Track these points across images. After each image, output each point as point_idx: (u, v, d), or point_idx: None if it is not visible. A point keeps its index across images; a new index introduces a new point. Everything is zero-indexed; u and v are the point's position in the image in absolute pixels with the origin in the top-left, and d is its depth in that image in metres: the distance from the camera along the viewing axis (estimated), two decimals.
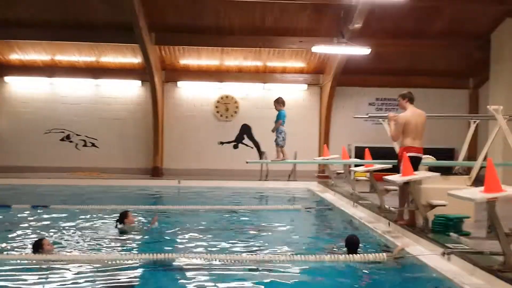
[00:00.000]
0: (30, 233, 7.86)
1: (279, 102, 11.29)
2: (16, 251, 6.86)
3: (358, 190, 11.56)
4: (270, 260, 6.32)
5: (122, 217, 8.26)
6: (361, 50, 14.05)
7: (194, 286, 5.41)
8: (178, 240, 7.71)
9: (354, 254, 6.27)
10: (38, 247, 6.45)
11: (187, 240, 7.65)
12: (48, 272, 5.83)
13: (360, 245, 6.65)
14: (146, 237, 7.95)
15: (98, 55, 17.08)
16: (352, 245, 6.56)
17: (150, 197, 13.98)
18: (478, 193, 5.38)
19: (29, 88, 17.84)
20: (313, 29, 15.56)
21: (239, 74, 17.98)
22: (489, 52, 15.74)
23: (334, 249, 6.85)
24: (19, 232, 7.92)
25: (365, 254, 6.24)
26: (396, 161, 8.45)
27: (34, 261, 6.17)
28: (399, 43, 15.91)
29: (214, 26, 15.58)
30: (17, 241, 7.44)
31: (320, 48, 14.40)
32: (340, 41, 14.21)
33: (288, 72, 18.02)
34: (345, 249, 6.58)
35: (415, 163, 7.72)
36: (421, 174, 7.75)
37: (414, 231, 7.37)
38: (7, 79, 17.68)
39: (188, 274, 5.81)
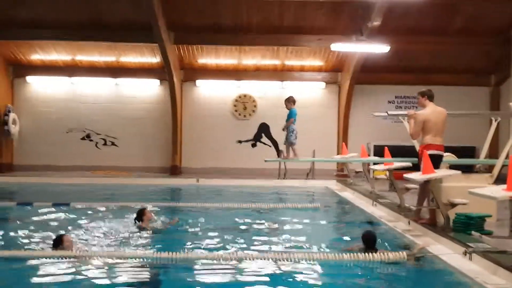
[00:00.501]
0: (50, 231, 7.94)
1: (290, 101, 11.28)
2: (37, 247, 6.94)
3: (377, 188, 11.50)
4: (289, 258, 6.31)
5: (140, 214, 8.33)
6: (380, 48, 13.96)
7: (212, 283, 5.42)
8: (196, 238, 7.72)
9: (374, 253, 6.22)
10: (58, 243, 6.53)
11: (205, 238, 7.66)
12: (68, 268, 5.89)
13: (381, 243, 6.59)
14: (164, 235, 7.99)
15: (118, 54, 17.24)
16: (369, 241, 6.52)
17: (169, 195, 14.07)
18: (500, 191, 5.32)
19: (50, 88, 18.09)
20: (331, 27, 15.50)
21: (257, 73, 17.99)
22: (510, 49, 15.49)
23: (353, 248, 6.80)
24: (40, 230, 8.01)
25: (385, 253, 6.19)
26: (416, 159, 8.37)
27: (54, 258, 6.23)
28: (419, 40, 15.75)
29: (232, 25, 15.62)
30: (38, 238, 7.52)
31: (339, 46, 14.34)
32: (359, 39, 14.13)
33: (306, 70, 17.97)
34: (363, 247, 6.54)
35: (436, 161, 7.63)
36: (442, 172, 7.66)
37: (435, 230, 7.30)
38: (29, 79, 17.94)
39: (206, 271, 5.83)
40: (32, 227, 8.27)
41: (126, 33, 15.60)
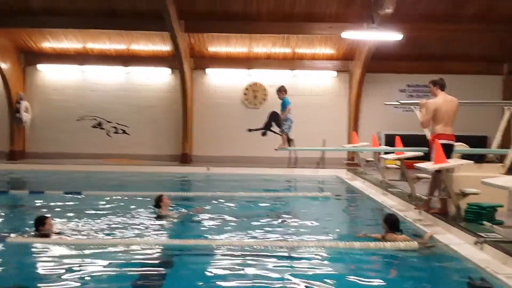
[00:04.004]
0: (62, 219, 8.02)
1: (281, 91, 11.00)
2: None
3: (388, 178, 11.46)
4: (300, 246, 6.34)
5: (158, 201, 8.40)
6: (392, 36, 13.81)
7: (224, 271, 5.45)
8: (208, 227, 7.78)
9: (386, 242, 6.23)
10: (40, 223, 6.62)
11: (217, 227, 7.71)
12: (79, 255, 5.94)
13: None
14: (178, 223, 8.04)
15: (129, 43, 17.25)
16: (394, 223, 6.54)
17: (180, 183, 14.13)
18: None
19: (61, 76, 18.17)
20: (342, 14, 15.38)
21: (268, 61, 17.93)
22: None
23: (364, 236, 6.81)
24: (52, 218, 8.07)
25: (397, 242, 6.19)
26: (427, 148, 8.33)
27: (65, 245, 6.29)
28: (431, 28, 15.57)
29: (243, 13, 15.54)
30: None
31: (350, 34, 14.20)
32: (371, 27, 13.98)
33: (317, 58, 17.87)
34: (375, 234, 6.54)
35: (448, 150, 7.58)
36: (453, 161, 7.62)
37: (446, 219, 7.27)
38: (39, 67, 18.02)
39: (218, 260, 5.87)
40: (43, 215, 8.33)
41: (137, 21, 15.59)
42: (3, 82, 17.09)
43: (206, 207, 8.98)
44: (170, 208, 8.62)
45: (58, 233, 6.90)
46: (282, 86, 11.17)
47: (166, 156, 17.64)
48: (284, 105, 10.91)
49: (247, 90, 18.08)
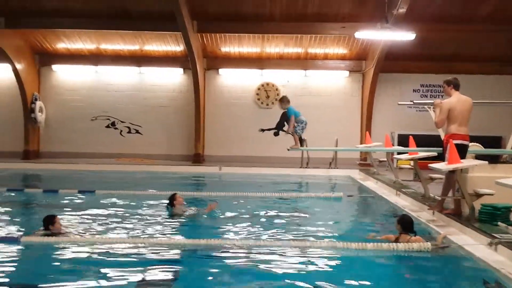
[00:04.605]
0: (76, 217, 8.09)
1: (284, 101, 10.83)
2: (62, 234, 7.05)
3: (401, 178, 11.39)
4: (311, 246, 6.32)
5: (171, 199, 8.44)
6: (406, 36, 13.72)
7: (236, 271, 5.46)
8: (220, 226, 7.78)
9: (399, 243, 6.19)
10: (49, 222, 6.65)
11: (228, 227, 7.71)
12: (91, 254, 5.98)
13: None
14: (191, 223, 8.06)
15: (142, 43, 17.35)
16: (408, 224, 6.50)
17: (192, 183, 14.18)
18: None
19: (75, 76, 18.34)
20: (355, 14, 15.34)
21: (280, 61, 17.93)
22: None
23: (376, 237, 6.78)
24: (66, 216, 8.14)
25: (409, 243, 6.15)
26: (441, 148, 8.27)
27: (78, 244, 6.34)
28: (445, 28, 15.48)
29: (255, 13, 15.56)
30: (64, 224, 7.63)
31: (363, 34, 14.15)
32: (384, 26, 13.90)
33: (329, 58, 17.84)
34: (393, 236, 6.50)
35: (462, 150, 7.52)
36: (467, 162, 7.56)
37: (460, 220, 7.22)
38: (54, 67, 18.20)
39: (231, 260, 5.87)
40: (58, 214, 8.40)
41: (150, 22, 15.68)
42: (18, 82, 17.27)
43: (217, 210, 8.98)
44: (183, 206, 8.66)
45: (65, 232, 6.93)
46: (285, 96, 10.99)
47: (178, 156, 17.72)
48: (288, 116, 10.75)
49: (259, 90, 18.10)
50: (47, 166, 15.82)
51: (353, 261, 5.98)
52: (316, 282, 5.03)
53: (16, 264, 5.79)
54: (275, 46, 17.34)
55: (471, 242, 6.30)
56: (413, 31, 13.59)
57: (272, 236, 7.11)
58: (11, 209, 9.04)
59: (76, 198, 10.12)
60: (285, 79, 18.03)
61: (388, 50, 15.86)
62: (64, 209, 8.77)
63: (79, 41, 17.39)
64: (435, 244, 6.27)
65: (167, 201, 8.50)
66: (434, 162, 7.86)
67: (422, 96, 17.65)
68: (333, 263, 5.87)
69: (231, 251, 6.17)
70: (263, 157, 17.49)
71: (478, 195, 7.26)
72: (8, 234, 6.96)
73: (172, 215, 8.28)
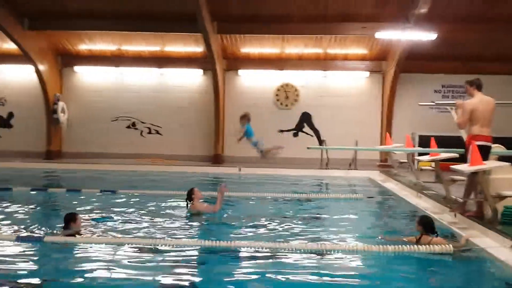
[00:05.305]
0: (98, 217, 8.18)
1: (243, 118, 10.40)
2: (84, 233, 7.15)
3: (422, 180, 11.28)
4: (332, 249, 6.30)
5: (190, 194, 8.51)
6: (427, 36, 13.62)
7: (254, 273, 5.46)
8: (239, 228, 7.78)
9: (420, 245, 6.14)
10: (71, 220, 6.71)
11: (247, 228, 7.71)
12: (111, 254, 6.04)
13: None
14: (209, 223, 8.09)
15: (163, 44, 17.49)
16: (429, 224, 6.45)
17: (212, 183, 14.22)
18: None
19: (97, 77, 18.57)
20: (376, 14, 15.23)
21: (300, 62, 17.91)
22: None
23: (389, 239, 6.72)
24: (88, 216, 8.24)
25: (431, 245, 6.10)
26: (463, 150, 8.17)
27: (98, 244, 6.41)
28: (467, 27, 15.26)
29: (275, 14, 15.56)
30: (86, 224, 7.74)
31: (384, 34, 14.09)
32: (405, 26, 13.81)
33: (349, 59, 17.76)
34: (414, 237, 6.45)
35: (485, 152, 7.43)
36: (490, 163, 7.46)
37: (482, 222, 7.13)
38: (76, 68, 18.46)
39: (249, 261, 5.87)
40: (81, 213, 8.52)
41: (171, 23, 15.79)
42: (41, 83, 17.55)
43: (235, 207, 8.96)
44: (201, 201, 8.72)
45: (87, 231, 7.01)
46: (246, 115, 10.45)
47: (198, 156, 17.82)
48: (246, 135, 10.41)
49: (279, 91, 18.11)
50: (69, 166, 16.07)
51: (374, 263, 5.94)
52: (336, 285, 5.02)
53: (39, 263, 5.87)
54: (295, 47, 17.32)
55: (493, 245, 6.23)
56: (435, 31, 13.49)
57: (291, 238, 7.08)
58: (35, 209, 9.19)
59: (98, 197, 10.24)
60: (304, 80, 17.96)
61: (409, 50, 15.72)
62: (86, 208, 8.88)
63: (101, 43, 17.60)
64: (457, 246, 6.20)
65: (186, 196, 8.57)
66: (456, 164, 7.77)
67: (443, 96, 17.47)
68: (353, 265, 5.84)
69: (248, 252, 6.17)
70: (282, 158, 17.42)
71: (501, 197, 7.18)
72: (32, 233, 7.06)
73: (191, 213, 8.33)
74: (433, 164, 10.04)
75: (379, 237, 6.97)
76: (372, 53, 17.50)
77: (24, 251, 6.11)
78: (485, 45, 16.46)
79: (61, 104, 17.77)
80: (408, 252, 6.06)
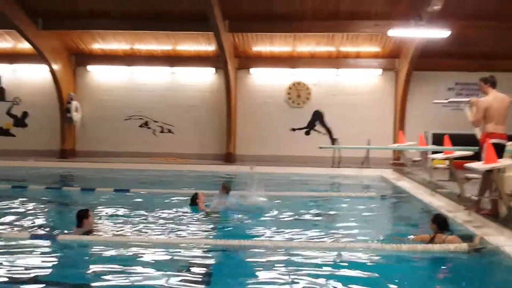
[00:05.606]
0: (111, 216, 8.23)
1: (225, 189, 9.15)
2: (98, 232, 7.20)
3: (436, 178, 11.21)
4: (345, 247, 6.28)
5: (194, 199, 8.54)
6: (440, 33, 13.51)
7: (269, 272, 5.46)
8: (251, 226, 7.80)
9: (434, 244, 6.10)
10: (83, 217, 6.74)
11: (259, 227, 7.71)
12: (125, 253, 6.08)
13: None
14: (222, 222, 8.10)
15: (175, 43, 17.54)
16: (443, 223, 6.41)
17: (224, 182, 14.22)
18: None
19: (110, 76, 18.67)
20: (389, 12, 15.14)
21: (312, 60, 17.86)
22: None
23: (422, 238, 6.68)
24: (102, 215, 8.30)
25: (445, 244, 6.06)
26: (477, 147, 8.11)
27: (112, 243, 6.44)
28: (481, 24, 15.07)
29: (287, 12, 15.53)
30: (99, 223, 7.79)
31: (397, 32, 13.98)
32: (418, 24, 13.70)
33: (362, 57, 17.67)
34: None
35: (499, 150, 7.37)
36: (505, 161, 7.39)
37: (497, 221, 7.07)
38: (89, 67, 18.57)
39: (260, 261, 5.86)
40: (95, 212, 8.58)
41: (182, 22, 15.81)
42: (55, 83, 17.69)
43: (247, 206, 8.95)
44: (207, 204, 8.75)
45: (100, 230, 7.05)
46: (228, 186, 9.34)
47: (210, 155, 17.86)
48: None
49: (291, 89, 18.07)
50: (83, 165, 16.19)
51: (387, 262, 5.92)
52: (350, 284, 5.00)
53: (52, 262, 5.92)
54: (307, 45, 17.27)
55: (508, 243, 6.18)
56: (448, 28, 13.37)
57: (303, 237, 7.08)
58: (49, 207, 9.28)
59: (112, 196, 10.30)
60: (316, 79, 17.90)
61: (422, 48, 15.61)
62: (100, 207, 8.94)
63: (114, 42, 17.69)
64: (472, 245, 6.15)
65: (190, 201, 8.60)
66: (470, 162, 7.71)
67: (457, 94, 17.32)
68: (366, 263, 5.82)
69: (261, 251, 6.16)
70: (294, 156, 17.49)
71: None
72: (46, 232, 7.13)
73: (206, 214, 8.36)
74: (447, 162, 9.97)
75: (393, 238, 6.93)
76: (385, 51, 17.40)
77: (38, 249, 6.16)
78: (499, 42, 16.27)
79: (74, 103, 17.90)
80: (422, 251, 6.03)
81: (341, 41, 16.89)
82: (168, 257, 5.95)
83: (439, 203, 9.38)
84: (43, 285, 4.98)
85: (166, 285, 5.00)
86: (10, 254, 5.88)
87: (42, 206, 9.19)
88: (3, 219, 7.95)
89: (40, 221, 7.82)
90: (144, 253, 6.06)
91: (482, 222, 7.38)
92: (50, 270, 5.57)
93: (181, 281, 5.13)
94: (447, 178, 11.18)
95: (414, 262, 5.89)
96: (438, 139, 13.16)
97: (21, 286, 4.93)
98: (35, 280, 5.10)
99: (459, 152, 9.54)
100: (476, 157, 8.07)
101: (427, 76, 17.38)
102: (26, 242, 6.40)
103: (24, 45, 17.22)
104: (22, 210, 8.74)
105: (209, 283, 5.18)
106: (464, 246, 6.03)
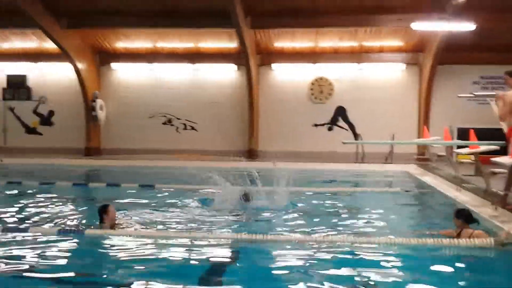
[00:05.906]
0: (136, 211, 8.33)
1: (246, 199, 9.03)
2: (125, 226, 7.30)
3: (461, 173, 11.07)
4: (369, 242, 6.25)
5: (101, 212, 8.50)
6: (465, 26, 13.30)
7: (290, 266, 5.47)
8: (275, 221, 7.82)
9: (460, 239, 6.04)
10: (103, 212, 6.80)
11: (282, 221, 7.73)
12: (148, 247, 6.14)
13: None
14: (243, 217, 8.12)
15: (196, 41, 17.63)
16: (468, 216, 6.34)
17: (247, 178, 14.27)
18: None
19: (133, 74, 18.89)
20: (413, 5, 14.95)
21: (334, 55, 17.77)
22: None
23: (447, 233, 6.61)
24: (127, 210, 8.40)
25: (471, 239, 5.99)
26: (504, 142, 7.98)
27: (135, 237, 6.51)
28: (506, 18, 14.81)
29: (309, 7, 15.46)
30: (125, 218, 7.90)
31: (421, 25, 13.81)
32: (442, 17, 13.51)
33: (385, 51, 17.52)
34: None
35: None
36: None
37: None
38: (113, 65, 18.80)
39: (283, 255, 5.88)
40: (119, 207, 8.70)
41: (204, 19, 15.90)
42: (80, 81, 17.97)
43: (270, 201, 8.95)
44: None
45: (123, 224, 7.14)
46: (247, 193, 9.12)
47: (233, 151, 17.89)
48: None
49: (313, 85, 18.02)
50: (108, 162, 16.41)
51: (412, 257, 5.88)
52: (374, 279, 4.98)
53: (79, 257, 6.03)
54: (329, 40, 17.19)
55: None
56: (473, 21, 13.15)
57: (327, 231, 7.07)
58: (76, 203, 9.44)
59: (137, 192, 10.44)
60: (339, 74, 17.81)
61: (446, 42, 15.40)
62: (125, 202, 9.07)
63: (137, 40, 17.88)
64: (498, 240, 6.07)
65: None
66: (496, 156, 7.59)
67: (482, 88, 17.05)
68: (391, 258, 5.78)
69: (284, 246, 6.17)
70: (317, 152, 17.45)
71: None
72: (73, 227, 7.26)
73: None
74: (472, 157, 9.85)
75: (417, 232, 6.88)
76: (409, 45, 17.21)
77: (65, 244, 6.27)
78: None
79: (99, 101, 18.15)
80: (448, 246, 5.97)
81: (364, 36, 16.77)
82: (190, 252, 5.99)
83: (465, 198, 9.26)
84: (70, 278, 5.08)
85: (188, 279, 5.04)
86: (38, 249, 6.00)
87: (70, 202, 9.35)
88: (32, 215, 8.12)
89: (67, 216, 7.96)
90: (166, 248, 6.11)
91: (509, 217, 7.26)
92: (77, 264, 5.67)
93: (203, 275, 5.16)
94: (472, 172, 11.06)
95: (439, 257, 5.83)
96: (463, 134, 12.98)
97: (49, 278, 5.04)
98: (62, 274, 5.20)
99: (485, 147, 9.40)
100: (503, 151, 7.94)
101: (451, 70, 17.15)
102: (54, 237, 6.52)
103: (49, 45, 17.52)
104: (50, 206, 8.91)
105: (229, 277, 5.21)
106: (490, 241, 5.95)
